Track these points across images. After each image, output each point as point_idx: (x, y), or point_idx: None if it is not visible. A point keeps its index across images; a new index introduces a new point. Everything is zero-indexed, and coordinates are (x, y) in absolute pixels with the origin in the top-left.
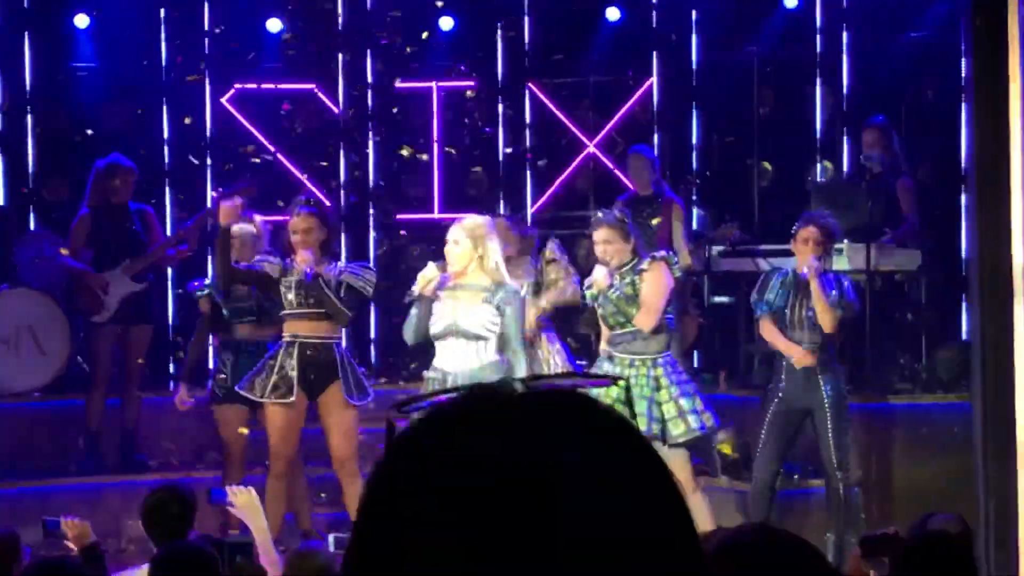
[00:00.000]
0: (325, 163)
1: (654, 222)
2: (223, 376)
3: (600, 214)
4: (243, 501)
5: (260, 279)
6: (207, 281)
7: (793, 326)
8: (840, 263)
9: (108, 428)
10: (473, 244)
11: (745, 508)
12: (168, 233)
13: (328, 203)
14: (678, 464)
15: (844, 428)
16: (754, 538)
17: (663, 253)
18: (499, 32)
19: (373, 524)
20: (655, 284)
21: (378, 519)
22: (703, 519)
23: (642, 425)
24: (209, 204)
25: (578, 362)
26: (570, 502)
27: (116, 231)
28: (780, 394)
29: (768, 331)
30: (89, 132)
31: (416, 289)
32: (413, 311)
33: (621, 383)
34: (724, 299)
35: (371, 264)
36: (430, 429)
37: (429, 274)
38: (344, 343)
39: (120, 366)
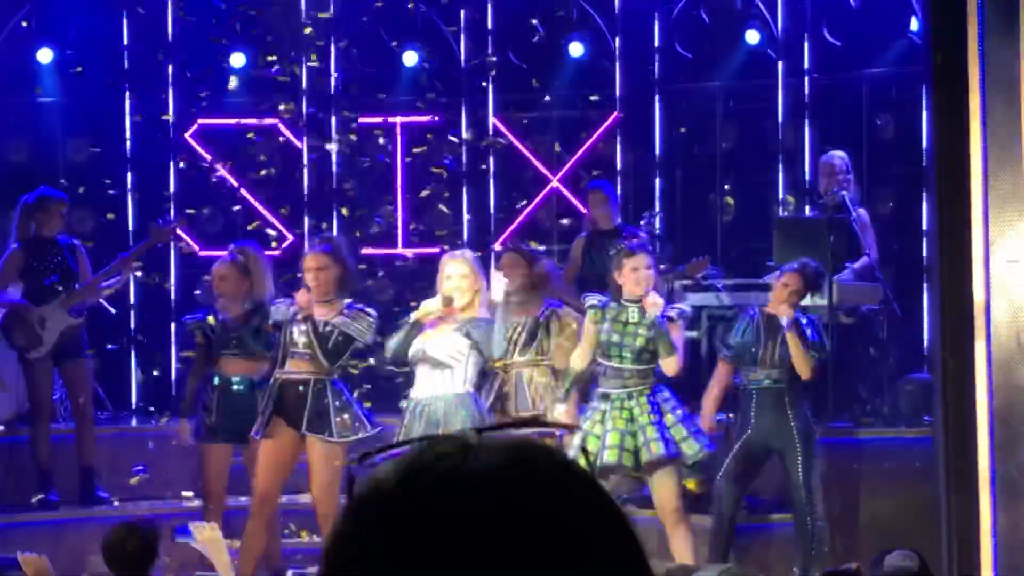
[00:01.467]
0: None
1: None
2: (210, 412)
3: (625, 242)
4: (207, 537)
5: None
6: (201, 317)
7: (763, 364)
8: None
9: (66, 463)
10: (475, 278)
11: (706, 543)
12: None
13: (292, 237)
14: (669, 487)
15: (813, 465)
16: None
17: (683, 310)
18: (463, 65)
19: None
20: (682, 337)
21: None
22: (685, 550)
23: (656, 450)
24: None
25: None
26: (523, 556)
27: (48, 264)
28: (749, 431)
29: (719, 377)
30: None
31: (414, 316)
32: (403, 330)
33: (578, 432)
34: (689, 334)
35: (373, 308)
36: (385, 490)
37: (432, 308)
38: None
39: (65, 403)
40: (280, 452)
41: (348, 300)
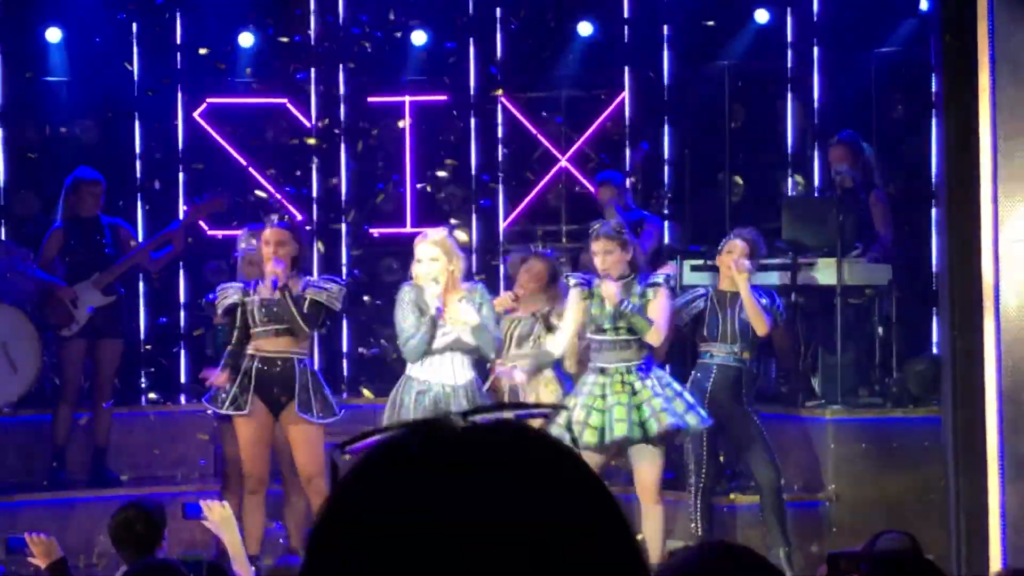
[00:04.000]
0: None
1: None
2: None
3: (598, 224)
4: (218, 515)
5: (232, 314)
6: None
7: (723, 338)
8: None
9: (78, 443)
10: (447, 258)
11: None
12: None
13: (301, 217)
14: (658, 466)
15: (768, 442)
16: (718, 559)
17: (667, 275)
18: (471, 46)
19: (318, 567)
20: (664, 303)
21: (322, 563)
22: (658, 530)
23: (665, 420)
24: (181, 215)
25: None
26: (509, 543)
27: (86, 245)
28: (706, 402)
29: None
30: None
31: (432, 304)
32: (422, 330)
33: (565, 413)
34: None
35: (341, 277)
36: (371, 474)
37: (437, 292)
38: (315, 360)
39: (90, 380)
40: (262, 430)
41: (306, 278)
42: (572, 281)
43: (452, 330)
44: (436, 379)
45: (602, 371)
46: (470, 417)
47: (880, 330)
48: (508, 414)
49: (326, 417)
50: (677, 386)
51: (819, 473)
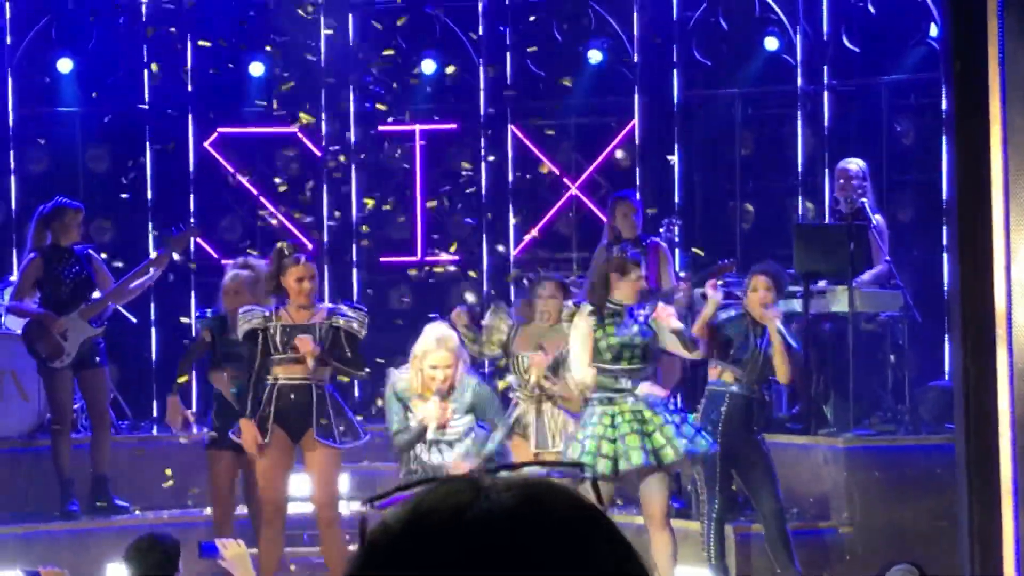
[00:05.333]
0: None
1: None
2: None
3: (624, 250)
4: (233, 553)
5: (253, 339)
6: (209, 312)
7: (743, 367)
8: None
9: (88, 472)
10: (456, 363)
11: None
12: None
13: (311, 245)
14: (666, 493)
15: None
16: None
17: (668, 300)
18: (481, 75)
19: None
20: (676, 319)
21: None
22: (668, 557)
23: (679, 447)
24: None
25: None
26: None
27: (65, 274)
28: (719, 431)
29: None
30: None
31: (429, 424)
32: (408, 428)
33: (577, 445)
34: None
35: (358, 303)
36: (393, 533)
37: (433, 414)
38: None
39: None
40: (280, 457)
41: (326, 306)
42: (588, 309)
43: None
44: (430, 461)
45: (609, 401)
46: (496, 475)
47: (892, 357)
48: (534, 470)
49: (350, 441)
50: (679, 415)
51: (831, 501)
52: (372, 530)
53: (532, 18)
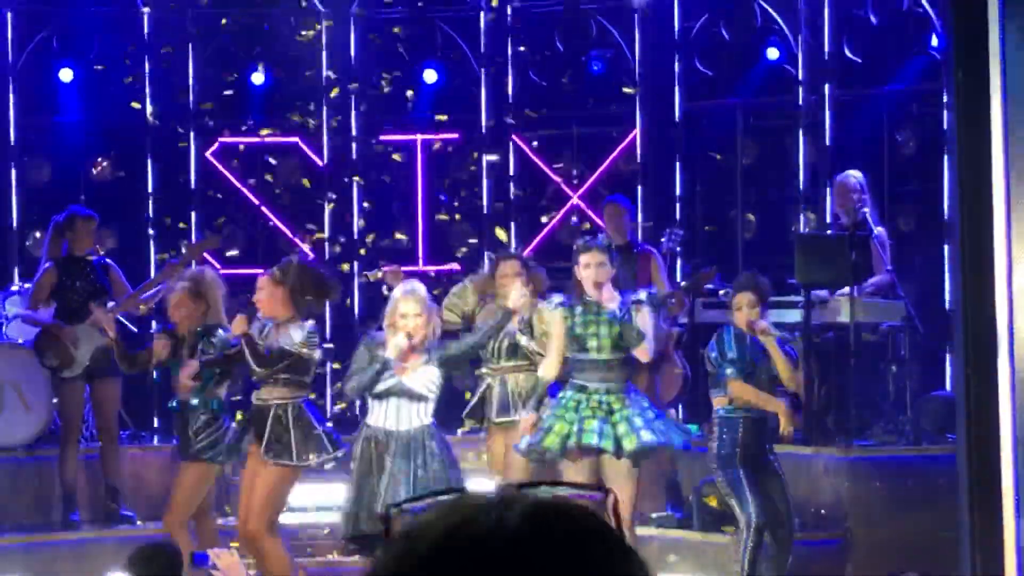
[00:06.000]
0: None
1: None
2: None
3: (585, 239)
4: (226, 563)
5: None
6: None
7: (760, 387)
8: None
9: (92, 482)
10: (428, 316)
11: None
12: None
13: (312, 255)
14: (632, 486)
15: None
16: None
17: (650, 292)
18: (483, 84)
19: None
20: (649, 320)
21: None
22: None
23: (647, 437)
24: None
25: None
26: None
27: (80, 283)
28: (739, 448)
29: (744, 390)
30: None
31: (391, 354)
32: (367, 368)
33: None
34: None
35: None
36: (416, 551)
37: (401, 344)
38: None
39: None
40: (249, 475)
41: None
42: (555, 300)
43: (394, 377)
44: (388, 426)
45: (582, 388)
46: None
47: (894, 367)
48: (562, 491)
49: (299, 460)
50: (654, 412)
51: (833, 511)
52: (392, 544)
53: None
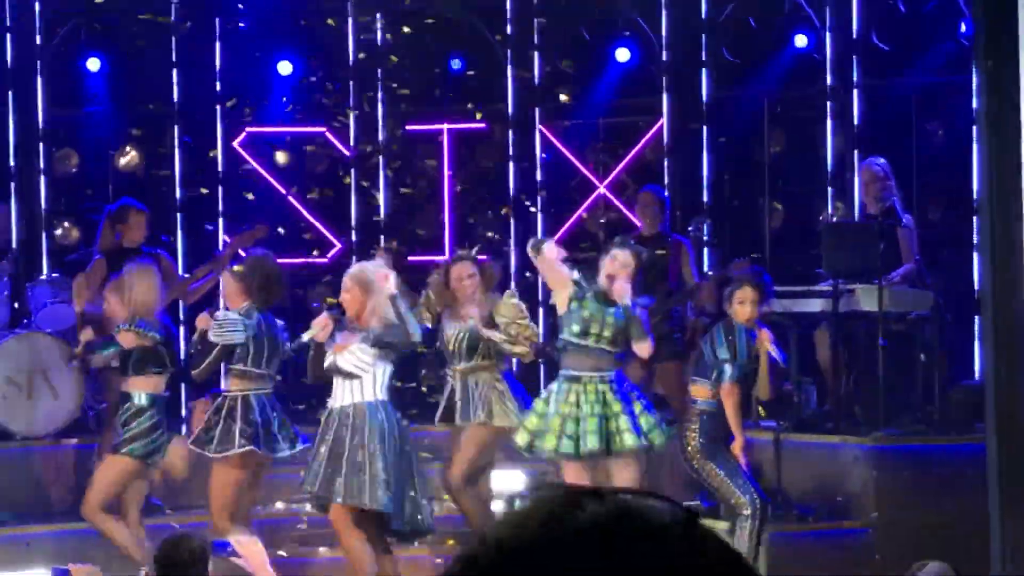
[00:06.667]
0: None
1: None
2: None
3: (625, 237)
4: (248, 551)
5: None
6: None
7: (750, 381)
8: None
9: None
10: (361, 291)
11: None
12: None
13: (339, 245)
14: (637, 471)
15: None
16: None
17: (645, 302)
18: (509, 74)
19: None
20: (646, 319)
21: None
22: None
23: (630, 441)
24: (221, 245)
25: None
26: None
27: None
28: (721, 436)
29: (733, 403)
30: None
31: (305, 336)
32: (310, 353)
33: (537, 420)
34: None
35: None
36: (491, 543)
37: (322, 322)
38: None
39: None
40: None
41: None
42: (575, 276)
43: (330, 357)
44: (341, 403)
45: (575, 379)
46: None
47: (922, 356)
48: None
49: (218, 450)
50: (643, 402)
51: (860, 500)
52: (472, 540)
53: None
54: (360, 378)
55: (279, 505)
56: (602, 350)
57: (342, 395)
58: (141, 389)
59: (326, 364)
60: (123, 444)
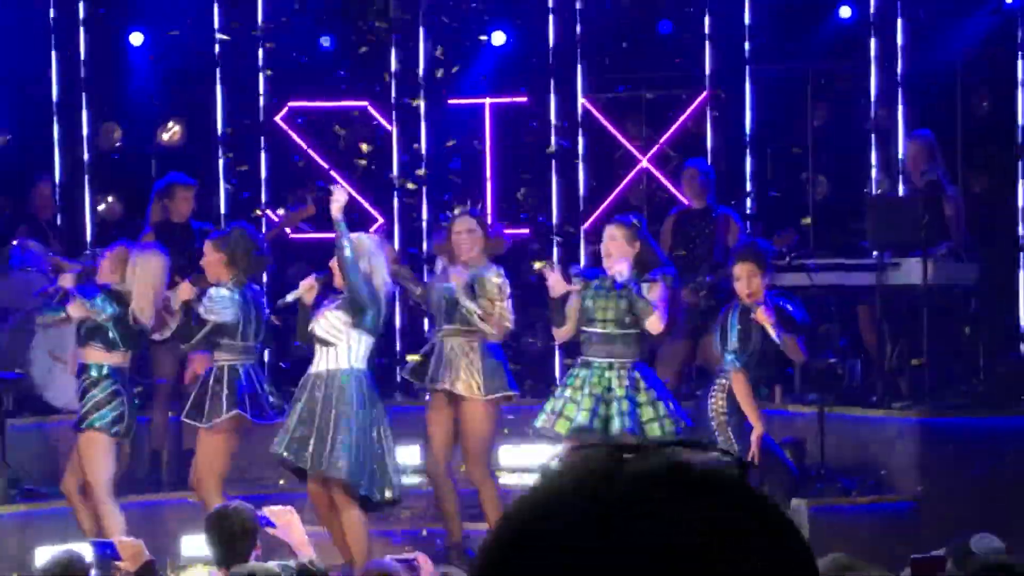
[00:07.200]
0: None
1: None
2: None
3: (616, 215)
4: (284, 520)
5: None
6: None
7: (768, 362)
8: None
9: (168, 446)
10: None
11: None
12: None
13: (381, 219)
14: None
15: None
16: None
17: (667, 272)
18: (551, 47)
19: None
20: (663, 293)
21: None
22: None
23: (624, 424)
24: (264, 226)
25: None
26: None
27: (179, 250)
28: (729, 406)
29: (743, 390)
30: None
31: (290, 296)
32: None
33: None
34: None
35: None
36: (536, 501)
37: (308, 283)
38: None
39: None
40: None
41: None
42: (575, 272)
43: (317, 326)
44: (317, 369)
45: (587, 364)
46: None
47: (967, 329)
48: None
49: (207, 420)
50: (654, 392)
51: (905, 474)
52: (515, 501)
53: None
54: (335, 345)
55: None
56: (610, 335)
57: (318, 361)
58: (96, 360)
59: (308, 329)
60: (84, 418)
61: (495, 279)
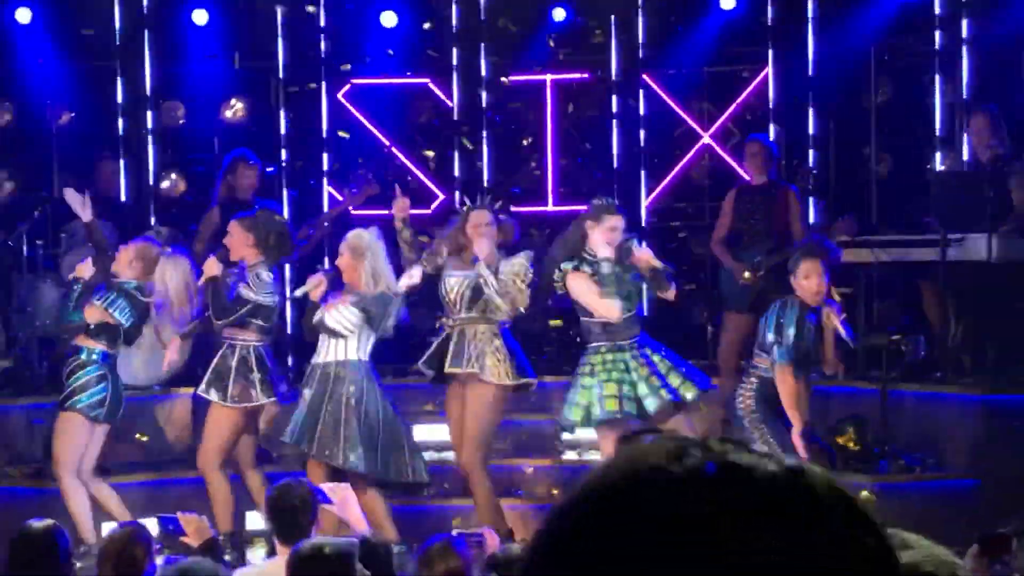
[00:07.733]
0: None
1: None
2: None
3: (608, 200)
4: (341, 496)
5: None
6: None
7: (809, 364)
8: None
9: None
10: (352, 256)
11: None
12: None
13: (442, 196)
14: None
15: None
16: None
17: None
18: (613, 23)
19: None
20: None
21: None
22: None
23: (665, 396)
24: (326, 203)
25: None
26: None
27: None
28: (760, 400)
29: (789, 386)
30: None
31: (299, 291)
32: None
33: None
34: (844, 290)
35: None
36: (592, 490)
37: (316, 280)
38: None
39: None
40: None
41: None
42: (567, 265)
43: (320, 313)
44: (323, 359)
45: (595, 351)
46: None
47: None
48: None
49: (237, 401)
50: (668, 360)
51: (967, 451)
52: (571, 488)
53: None
54: (345, 337)
55: None
56: (630, 317)
57: (326, 352)
58: (90, 346)
59: (314, 320)
60: (68, 398)
61: (522, 260)
